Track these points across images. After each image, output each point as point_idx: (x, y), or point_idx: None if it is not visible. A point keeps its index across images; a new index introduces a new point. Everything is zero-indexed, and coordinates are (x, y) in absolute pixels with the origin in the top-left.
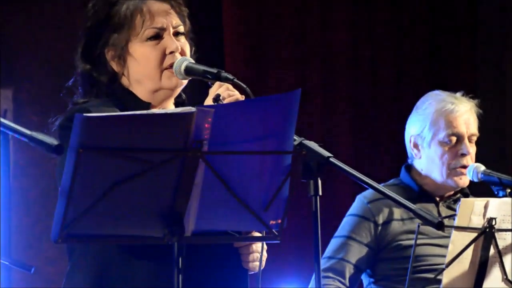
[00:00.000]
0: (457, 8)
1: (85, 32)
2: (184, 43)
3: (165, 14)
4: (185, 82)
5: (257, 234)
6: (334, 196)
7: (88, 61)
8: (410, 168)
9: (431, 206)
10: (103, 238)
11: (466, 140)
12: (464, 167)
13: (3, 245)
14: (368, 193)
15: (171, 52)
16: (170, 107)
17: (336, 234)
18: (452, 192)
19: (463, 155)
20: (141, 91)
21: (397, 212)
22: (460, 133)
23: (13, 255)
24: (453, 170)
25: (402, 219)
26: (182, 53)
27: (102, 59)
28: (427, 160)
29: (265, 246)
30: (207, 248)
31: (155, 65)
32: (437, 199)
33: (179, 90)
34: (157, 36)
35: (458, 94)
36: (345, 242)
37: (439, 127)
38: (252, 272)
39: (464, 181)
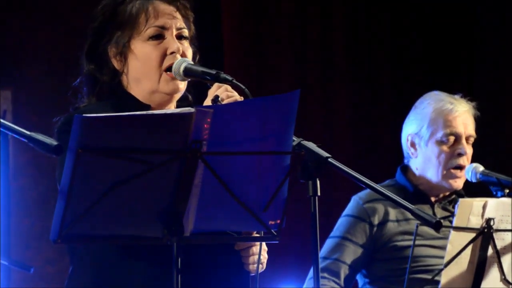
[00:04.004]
0: (455, 9)
1: (91, 32)
2: (186, 47)
3: (170, 15)
4: (183, 87)
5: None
6: (333, 197)
7: (92, 60)
8: (406, 169)
9: (426, 207)
10: (102, 238)
11: (464, 140)
12: (460, 167)
13: (3, 245)
14: (364, 194)
15: (172, 53)
16: (171, 109)
17: (331, 234)
18: (447, 193)
19: (460, 155)
20: (140, 92)
21: (393, 213)
22: (458, 133)
23: (13, 256)
24: (449, 170)
25: (398, 220)
26: (183, 56)
27: (105, 57)
28: (423, 159)
29: (265, 247)
30: (209, 251)
31: (155, 64)
32: (432, 200)
33: (178, 96)
34: (159, 36)
35: (457, 96)
36: (340, 242)
37: (437, 126)
38: (254, 274)
39: (458, 183)
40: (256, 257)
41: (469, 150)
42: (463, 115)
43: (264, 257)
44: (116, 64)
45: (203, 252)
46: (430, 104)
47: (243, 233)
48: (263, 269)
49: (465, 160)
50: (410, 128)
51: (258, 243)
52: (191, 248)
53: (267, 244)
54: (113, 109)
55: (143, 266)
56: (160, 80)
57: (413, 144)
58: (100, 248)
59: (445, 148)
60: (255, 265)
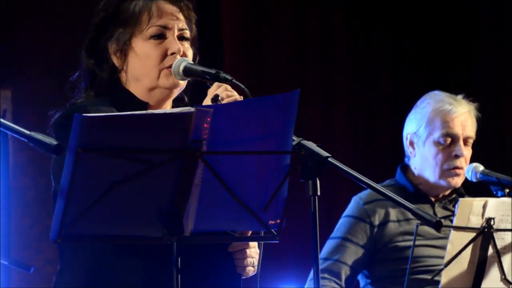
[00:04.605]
0: (455, 9)
1: (93, 27)
2: (187, 48)
3: (173, 15)
4: (183, 83)
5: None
6: (332, 197)
7: (92, 55)
8: (406, 169)
9: (426, 207)
10: (102, 238)
11: (461, 142)
12: (457, 168)
13: (3, 245)
14: (364, 194)
15: (173, 53)
16: (168, 108)
17: (332, 235)
18: (447, 193)
19: (457, 156)
20: (138, 89)
21: (393, 213)
22: (455, 134)
23: (13, 255)
24: (446, 171)
25: (398, 221)
26: (184, 57)
27: (105, 53)
28: (421, 159)
29: (257, 251)
30: (201, 252)
31: (155, 63)
32: (433, 199)
33: (177, 91)
34: (161, 36)
35: (459, 97)
36: (341, 243)
37: (435, 126)
38: (245, 277)
39: (456, 181)
40: (250, 260)
41: (466, 151)
42: (461, 116)
43: (256, 260)
44: (115, 60)
45: (193, 253)
46: (429, 104)
47: (238, 233)
48: (254, 272)
49: (462, 162)
50: (410, 127)
51: (252, 246)
52: (182, 249)
53: (265, 245)
54: (111, 106)
55: (138, 265)
56: (160, 75)
57: (412, 143)
58: (94, 247)
59: (441, 148)
60: (248, 268)
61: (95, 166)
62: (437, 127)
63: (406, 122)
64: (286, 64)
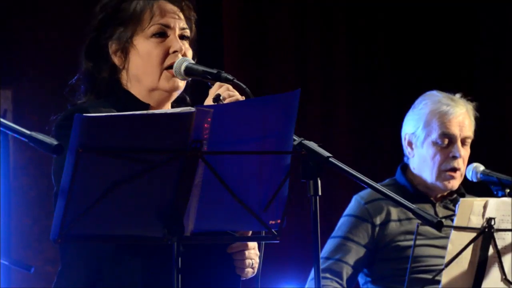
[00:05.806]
0: (455, 9)
1: (92, 28)
2: (187, 48)
3: (174, 14)
4: (182, 85)
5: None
6: (333, 196)
7: (92, 56)
8: (405, 168)
9: (427, 206)
10: (103, 238)
11: (459, 143)
12: (455, 169)
13: (3, 245)
14: (365, 193)
15: (174, 52)
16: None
17: (333, 234)
18: (445, 193)
19: (454, 157)
20: (139, 89)
21: (394, 213)
22: (452, 135)
23: (13, 255)
24: (443, 172)
25: (400, 220)
26: (184, 56)
27: (105, 53)
28: (419, 159)
29: (257, 252)
30: (201, 253)
31: (157, 62)
32: (433, 199)
33: (176, 94)
34: (163, 34)
35: (457, 96)
36: (342, 242)
37: (432, 127)
38: (244, 278)
39: (452, 184)
40: (249, 261)
41: (464, 152)
42: (459, 117)
43: (256, 261)
44: (116, 60)
45: (193, 254)
46: (426, 104)
47: (238, 233)
48: (253, 274)
49: (459, 163)
50: (408, 127)
51: (251, 247)
52: (183, 250)
53: (265, 245)
54: (112, 107)
55: (139, 265)
56: (161, 77)
57: (410, 144)
58: (95, 247)
59: (439, 149)
60: (247, 269)
61: (95, 166)
62: (435, 128)
63: (404, 122)
64: (286, 64)
